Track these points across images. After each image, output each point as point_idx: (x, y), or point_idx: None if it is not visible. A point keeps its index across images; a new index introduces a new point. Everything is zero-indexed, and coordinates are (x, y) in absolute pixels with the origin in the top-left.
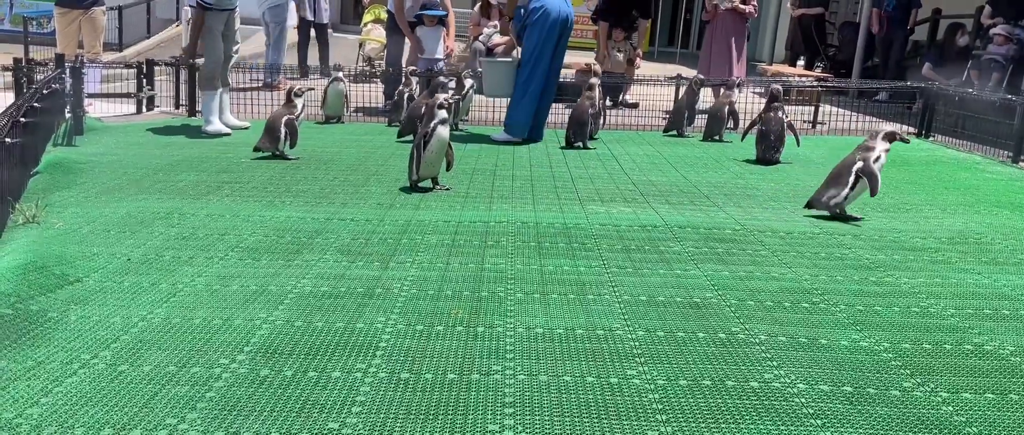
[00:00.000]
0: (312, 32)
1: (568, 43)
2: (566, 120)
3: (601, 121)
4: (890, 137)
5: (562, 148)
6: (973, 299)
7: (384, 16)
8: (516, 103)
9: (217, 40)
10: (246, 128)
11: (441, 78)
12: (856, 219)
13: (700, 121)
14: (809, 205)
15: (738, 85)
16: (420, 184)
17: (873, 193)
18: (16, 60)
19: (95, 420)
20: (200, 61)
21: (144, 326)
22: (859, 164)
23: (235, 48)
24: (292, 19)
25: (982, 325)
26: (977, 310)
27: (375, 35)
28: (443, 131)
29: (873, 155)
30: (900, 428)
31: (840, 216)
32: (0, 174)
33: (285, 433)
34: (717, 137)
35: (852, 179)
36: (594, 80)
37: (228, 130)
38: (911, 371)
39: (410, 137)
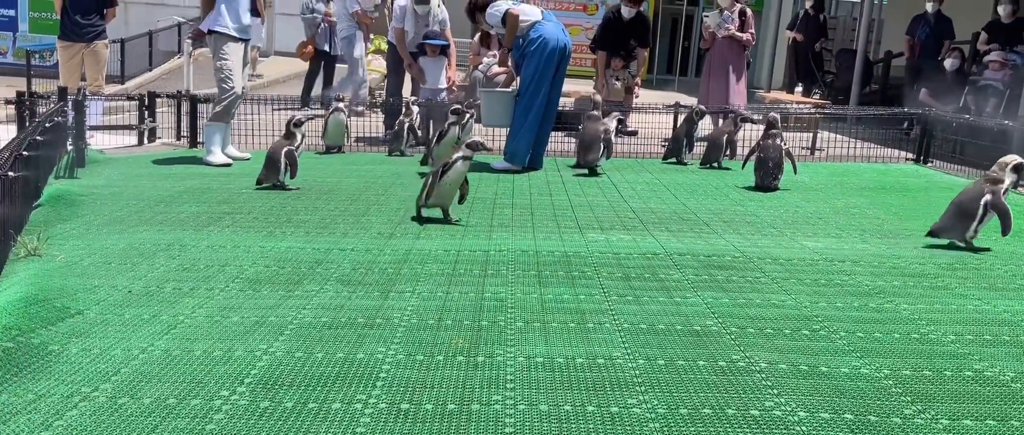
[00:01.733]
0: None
1: (566, 71)
2: (566, 148)
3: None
4: (1018, 169)
5: (572, 166)
6: (973, 325)
7: (385, 47)
8: (516, 132)
9: (234, 74)
10: (247, 159)
11: (457, 106)
12: (984, 250)
13: (699, 148)
14: (932, 233)
15: (742, 119)
16: (423, 211)
17: (1005, 231)
18: (19, 93)
19: None
20: (204, 91)
21: (145, 358)
22: (988, 197)
23: (244, 84)
24: (358, 49)
25: (982, 351)
26: (977, 336)
27: (375, 65)
28: (463, 167)
29: (1002, 187)
30: None
31: (967, 247)
32: (2, 207)
33: None
34: (715, 164)
35: (981, 211)
36: (610, 121)
37: (230, 161)
38: (912, 398)
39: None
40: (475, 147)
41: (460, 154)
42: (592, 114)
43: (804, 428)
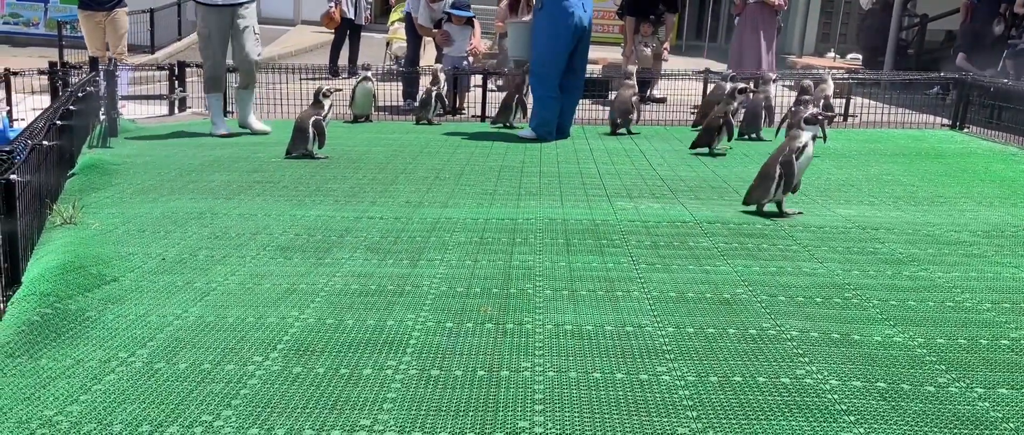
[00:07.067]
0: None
1: (591, 39)
2: (593, 116)
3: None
4: (812, 121)
5: (607, 134)
6: (1010, 293)
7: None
8: (537, 104)
9: (211, 42)
10: (267, 133)
11: (766, 75)
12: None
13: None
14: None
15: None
16: (779, 205)
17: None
18: (51, 64)
19: (133, 417)
20: (230, 61)
21: (179, 324)
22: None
23: (256, 50)
24: None
25: (1019, 319)
26: (1014, 304)
27: (402, 34)
28: (813, 146)
29: (797, 144)
30: (935, 424)
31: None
32: (38, 176)
33: (318, 430)
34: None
35: (778, 171)
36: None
37: (229, 131)
38: (946, 366)
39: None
40: (815, 121)
41: (808, 134)
42: (626, 82)
43: (836, 396)
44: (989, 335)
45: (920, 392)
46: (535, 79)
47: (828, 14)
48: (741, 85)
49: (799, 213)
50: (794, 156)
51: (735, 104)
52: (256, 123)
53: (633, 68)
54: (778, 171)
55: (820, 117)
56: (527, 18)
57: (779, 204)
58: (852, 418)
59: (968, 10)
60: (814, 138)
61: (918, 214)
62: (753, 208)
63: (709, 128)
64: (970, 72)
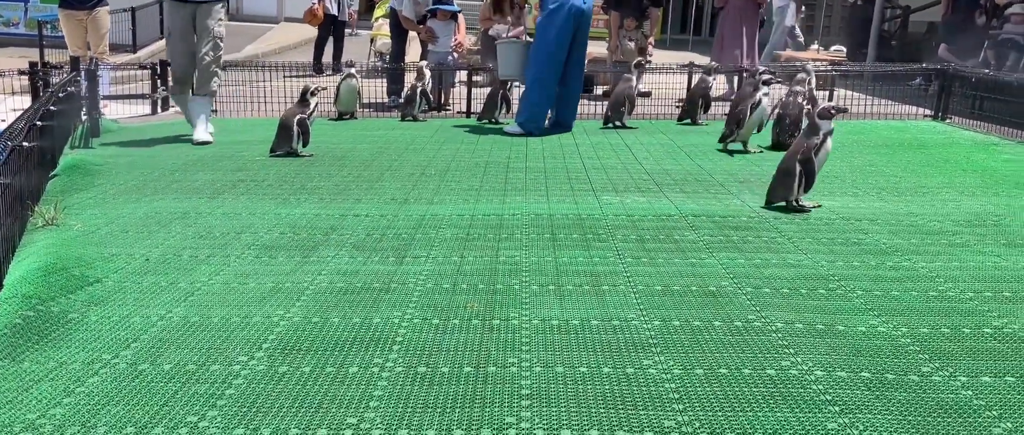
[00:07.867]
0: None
1: (588, 34)
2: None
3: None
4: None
5: (601, 128)
6: (992, 282)
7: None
8: (530, 99)
9: (173, 40)
10: (209, 142)
11: (760, 68)
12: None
13: (716, 109)
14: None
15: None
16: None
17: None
18: (32, 64)
19: (117, 419)
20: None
21: (163, 325)
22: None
23: (211, 55)
24: (789, 20)
25: (1001, 308)
26: (996, 293)
27: (386, 30)
28: (830, 144)
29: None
30: (919, 413)
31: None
32: (19, 178)
33: (304, 429)
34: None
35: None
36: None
37: (208, 138)
38: (930, 356)
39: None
40: (829, 116)
41: (825, 130)
42: (626, 76)
43: (821, 387)
44: (972, 324)
45: (904, 381)
46: (533, 68)
47: (811, 6)
48: (766, 76)
49: (817, 206)
50: (813, 153)
51: (758, 96)
52: (201, 133)
53: (636, 61)
54: (798, 170)
55: (833, 111)
56: (513, 35)
57: (797, 199)
58: (837, 408)
59: (950, 2)
60: (830, 134)
61: (901, 204)
62: (769, 207)
63: (732, 118)
64: (952, 63)
